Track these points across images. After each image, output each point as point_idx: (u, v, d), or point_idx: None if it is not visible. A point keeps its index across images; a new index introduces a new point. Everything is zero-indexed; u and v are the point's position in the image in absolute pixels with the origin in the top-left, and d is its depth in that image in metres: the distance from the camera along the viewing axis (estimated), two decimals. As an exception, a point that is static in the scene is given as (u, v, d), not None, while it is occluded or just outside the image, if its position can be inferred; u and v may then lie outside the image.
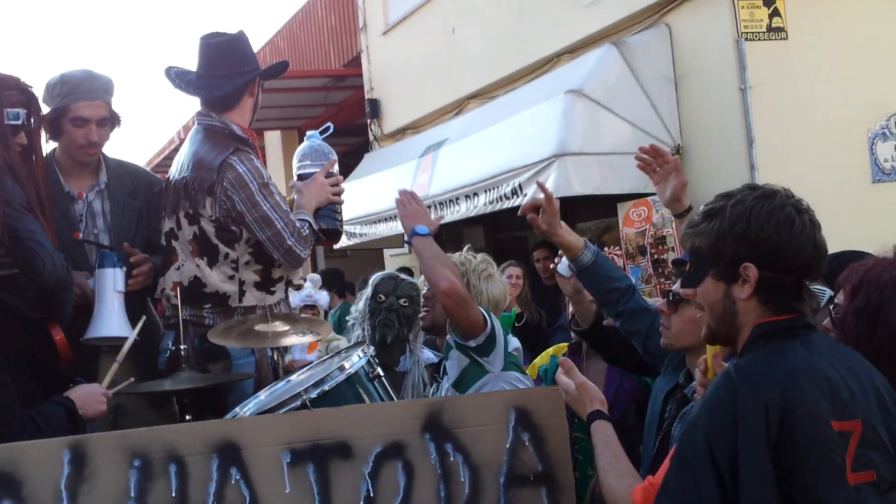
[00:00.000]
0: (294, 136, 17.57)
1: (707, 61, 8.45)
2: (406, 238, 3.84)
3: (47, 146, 4.08)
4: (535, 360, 4.75)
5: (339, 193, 4.13)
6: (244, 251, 3.92)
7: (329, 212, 4.09)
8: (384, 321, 4.47)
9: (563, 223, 3.62)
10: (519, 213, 3.65)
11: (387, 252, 14.64)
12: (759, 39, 8.19)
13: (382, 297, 4.53)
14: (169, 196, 4.05)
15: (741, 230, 2.30)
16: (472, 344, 3.65)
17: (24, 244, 3.41)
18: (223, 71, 4.02)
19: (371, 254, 15.02)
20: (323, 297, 7.46)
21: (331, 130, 4.24)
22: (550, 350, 4.76)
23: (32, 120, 3.65)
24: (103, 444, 2.76)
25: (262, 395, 3.33)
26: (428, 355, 4.58)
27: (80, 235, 4.03)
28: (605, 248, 8.48)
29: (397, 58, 13.85)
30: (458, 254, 4.09)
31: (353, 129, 16.03)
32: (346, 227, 4.11)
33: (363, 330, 4.52)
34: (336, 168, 4.17)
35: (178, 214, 3.96)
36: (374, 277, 4.69)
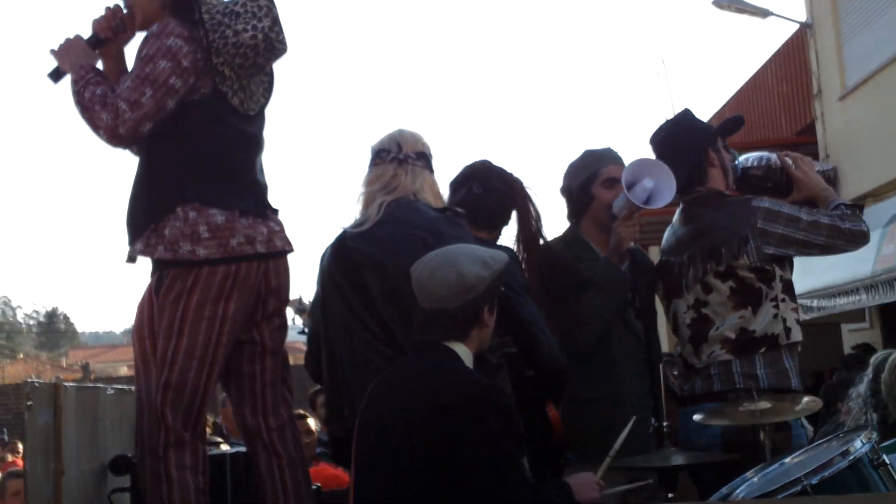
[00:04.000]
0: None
1: None
2: None
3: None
4: None
5: None
6: (779, 289, 3.96)
7: None
8: (884, 402, 4.24)
9: None
10: None
11: (844, 327, 13.84)
12: None
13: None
14: (672, 273, 4.11)
15: None
16: None
17: (525, 327, 3.59)
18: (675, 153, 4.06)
19: (824, 329, 14.25)
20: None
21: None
22: None
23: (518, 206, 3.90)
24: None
25: (754, 477, 3.22)
26: None
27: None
28: None
29: (856, 122, 13.16)
30: None
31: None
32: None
33: (866, 414, 4.29)
34: None
35: (703, 281, 3.99)
36: (875, 357, 4.45)
